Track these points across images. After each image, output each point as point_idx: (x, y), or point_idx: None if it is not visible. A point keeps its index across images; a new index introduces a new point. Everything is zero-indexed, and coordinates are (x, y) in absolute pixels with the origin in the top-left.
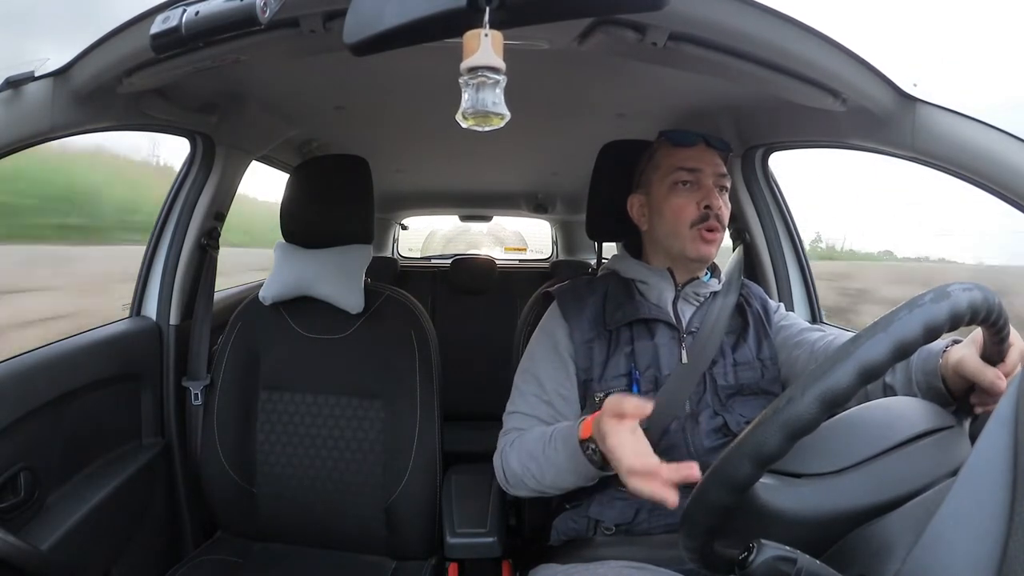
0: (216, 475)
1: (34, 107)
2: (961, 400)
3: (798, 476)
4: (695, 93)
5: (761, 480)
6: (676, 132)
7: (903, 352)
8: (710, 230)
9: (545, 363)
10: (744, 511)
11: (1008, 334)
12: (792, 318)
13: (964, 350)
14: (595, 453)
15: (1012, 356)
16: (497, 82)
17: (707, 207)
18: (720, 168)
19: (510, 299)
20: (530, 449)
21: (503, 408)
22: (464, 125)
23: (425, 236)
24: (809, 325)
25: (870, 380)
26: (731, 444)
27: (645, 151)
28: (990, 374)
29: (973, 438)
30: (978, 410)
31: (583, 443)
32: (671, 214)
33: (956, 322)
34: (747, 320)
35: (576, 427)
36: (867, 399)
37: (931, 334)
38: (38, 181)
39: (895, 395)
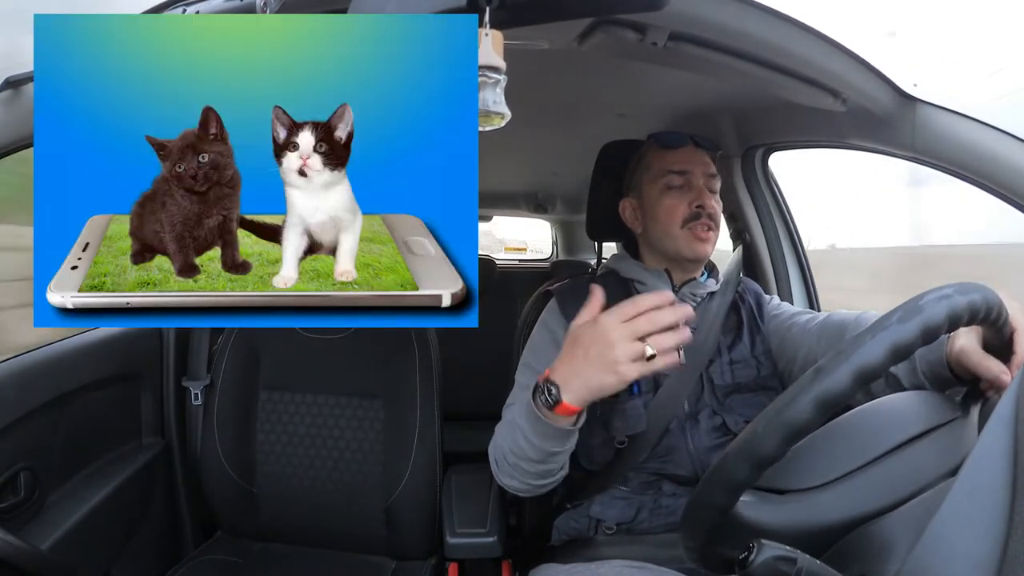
0: (216, 475)
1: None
2: (971, 384)
3: (782, 492)
4: (695, 93)
5: (743, 498)
6: (664, 134)
7: (866, 380)
8: (704, 228)
9: (546, 357)
10: (729, 528)
11: (1005, 322)
12: (784, 306)
13: (965, 340)
14: (548, 391)
15: (1019, 343)
16: (497, 81)
17: (699, 207)
18: (710, 168)
19: (510, 299)
20: (509, 419)
21: (503, 408)
22: None
23: None
24: (801, 309)
25: (831, 410)
26: (708, 470)
27: (634, 154)
28: (994, 367)
29: (984, 422)
30: (990, 394)
31: (539, 384)
32: (663, 215)
33: (931, 336)
34: (741, 318)
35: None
36: (870, 396)
37: (899, 356)
38: None
39: (899, 384)
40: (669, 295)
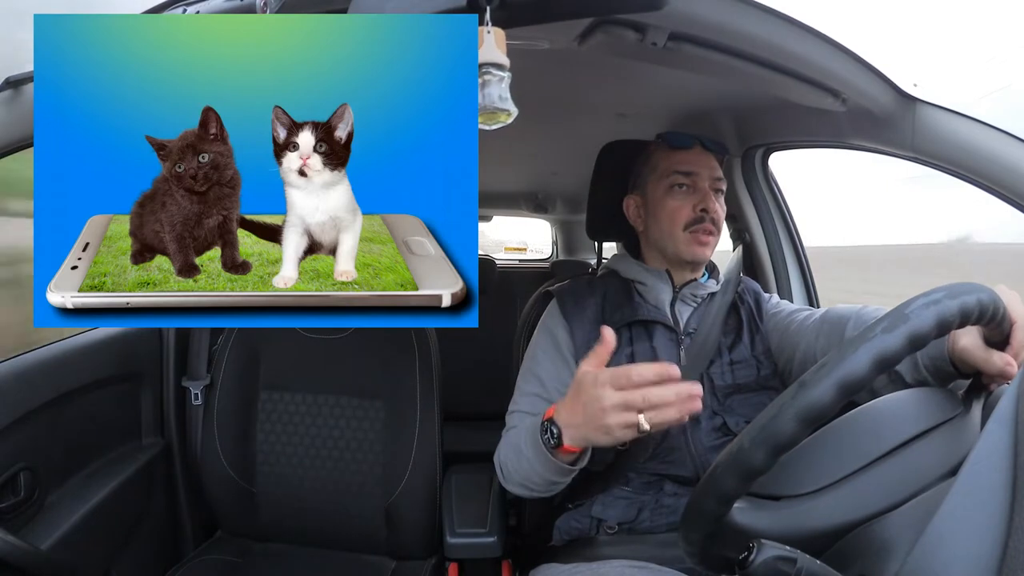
0: (216, 475)
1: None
2: (975, 377)
3: (777, 499)
4: (695, 93)
5: (737, 505)
6: (673, 134)
7: (850, 392)
8: (705, 232)
9: (546, 361)
10: (725, 534)
11: (1003, 317)
12: (783, 304)
13: (968, 339)
14: (551, 432)
15: (1018, 337)
16: (502, 79)
17: (703, 210)
18: (716, 171)
19: (510, 299)
20: (515, 441)
21: (503, 408)
22: None
23: None
24: (799, 307)
25: (816, 424)
26: (700, 481)
27: (642, 152)
28: (998, 361)
29: (987, 416)
30: (993, 387)
31: (543, 423)
32: (666, 216)
33: (920, 344)
34: (741, 318)
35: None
36: (872, 393)
37: (885, 366)
38: None
39: (902, 381)
40: (673, 370)
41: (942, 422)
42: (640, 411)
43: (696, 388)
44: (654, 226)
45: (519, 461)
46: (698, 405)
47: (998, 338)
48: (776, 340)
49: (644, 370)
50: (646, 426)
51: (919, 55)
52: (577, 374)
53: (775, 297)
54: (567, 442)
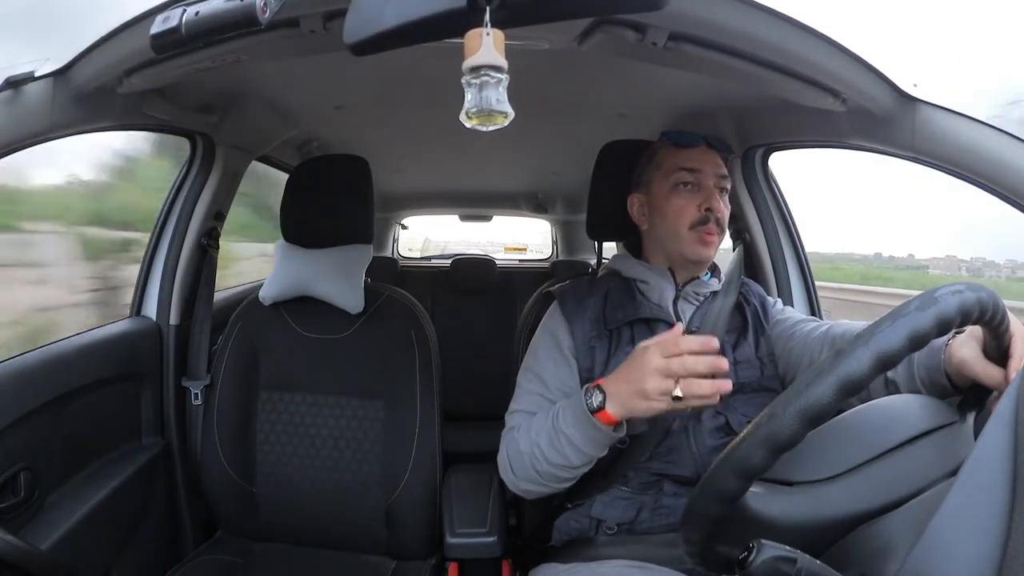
0: (216, 475)
1: (34, 107)
2: (967, 392)
3: (790, 484)
4: (695, 93)
5: (752, 489)
6: (678, 132)
7: (886, 365)
8: (709, 233)
9: (548, 361)
10: (736, 520)
11: (1007, 327)
12: (788, 311)
13: (966, 350)
14: (594, 396)
15: (1018, 348)
16: (500, 81)
17: (708, 209)
18: (721, 169)
19: (510, 299)
20: (538, 427)
21: (503, 408)
22: (468, 125)
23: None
24: (805, 317)
25: (852, 394)
26: (718, 458)
27: (646, 150)
28: (997, 375)
29: (979, 430)
30: (993, 405)
31: (589, 390)
32: (672, 215)
33: (944, 328)
34: (746, 318)
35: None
36: (868, 396)
37: (917, 344)
38: None
39: (898, 390)
40: (713, 343)
41: (944, 425)
42: (677, 380)
43: (724, 363)
44: (659, 224)
45: (556, 445)
46: (729, 385)
47: (995, 350)
48: (780, 348)
49: (689, 340)
50: (679, 393)
51: (919, 55)
52: (636, 348)
53: (779, 302)
54: (608, 407)
